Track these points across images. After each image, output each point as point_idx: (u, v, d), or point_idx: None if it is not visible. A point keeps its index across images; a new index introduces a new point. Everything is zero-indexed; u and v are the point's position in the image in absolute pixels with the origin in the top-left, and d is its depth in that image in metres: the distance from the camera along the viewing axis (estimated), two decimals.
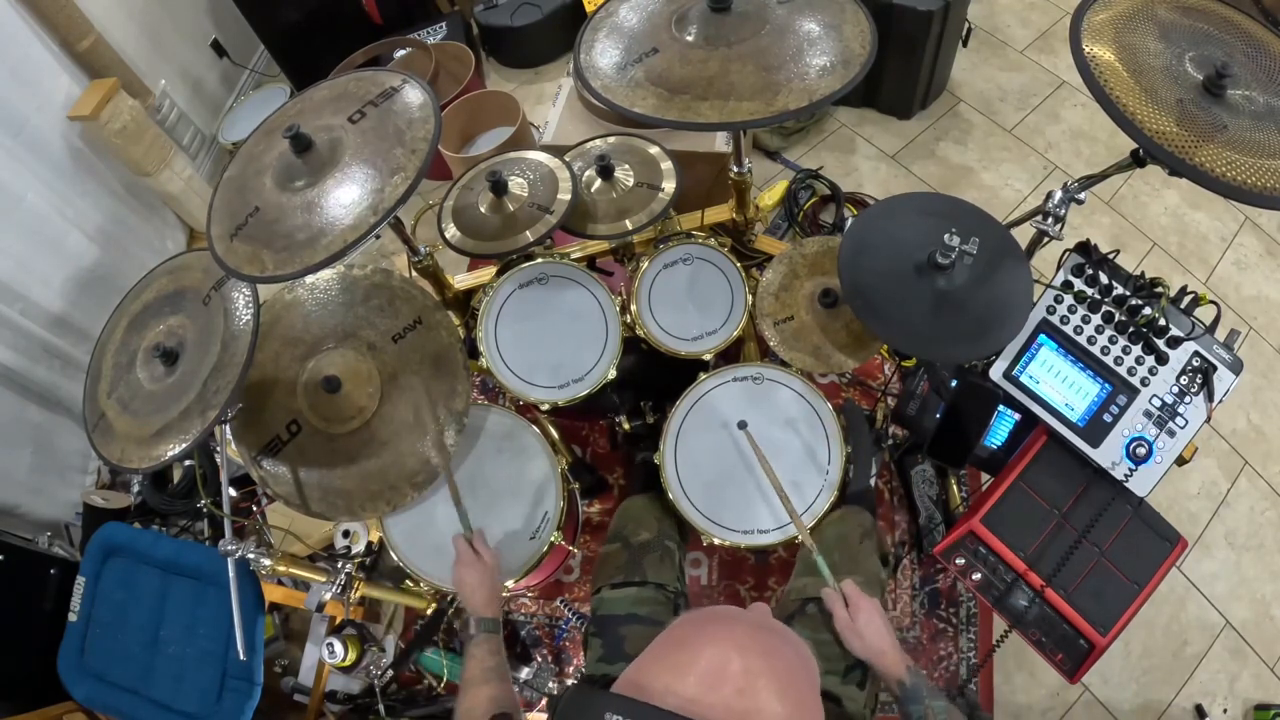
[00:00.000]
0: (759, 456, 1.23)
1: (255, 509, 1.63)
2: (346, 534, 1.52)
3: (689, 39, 1.17)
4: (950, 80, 2.57)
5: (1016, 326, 1.19)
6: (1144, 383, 1.19)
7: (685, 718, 0.48)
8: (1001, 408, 1.30)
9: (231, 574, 1.18)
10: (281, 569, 1.24)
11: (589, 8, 2.68)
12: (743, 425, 1.29)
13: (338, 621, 1.62)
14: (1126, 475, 1.20)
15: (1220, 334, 1.20)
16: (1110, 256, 1.23)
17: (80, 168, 2.18)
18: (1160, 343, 1.18)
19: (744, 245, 1.80)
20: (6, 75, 1.96)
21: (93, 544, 1.62)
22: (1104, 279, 1.21)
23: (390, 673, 1.67)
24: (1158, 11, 1.07)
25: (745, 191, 1.62)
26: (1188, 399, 1.18)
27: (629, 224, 1.49)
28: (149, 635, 1.54)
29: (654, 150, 1.60)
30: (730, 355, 1.63)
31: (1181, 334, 1.18)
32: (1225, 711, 1.65)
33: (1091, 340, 1.21)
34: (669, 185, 1.52)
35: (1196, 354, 1.18)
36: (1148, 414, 1.19)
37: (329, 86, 1.23)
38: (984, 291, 1.17)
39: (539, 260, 1.49)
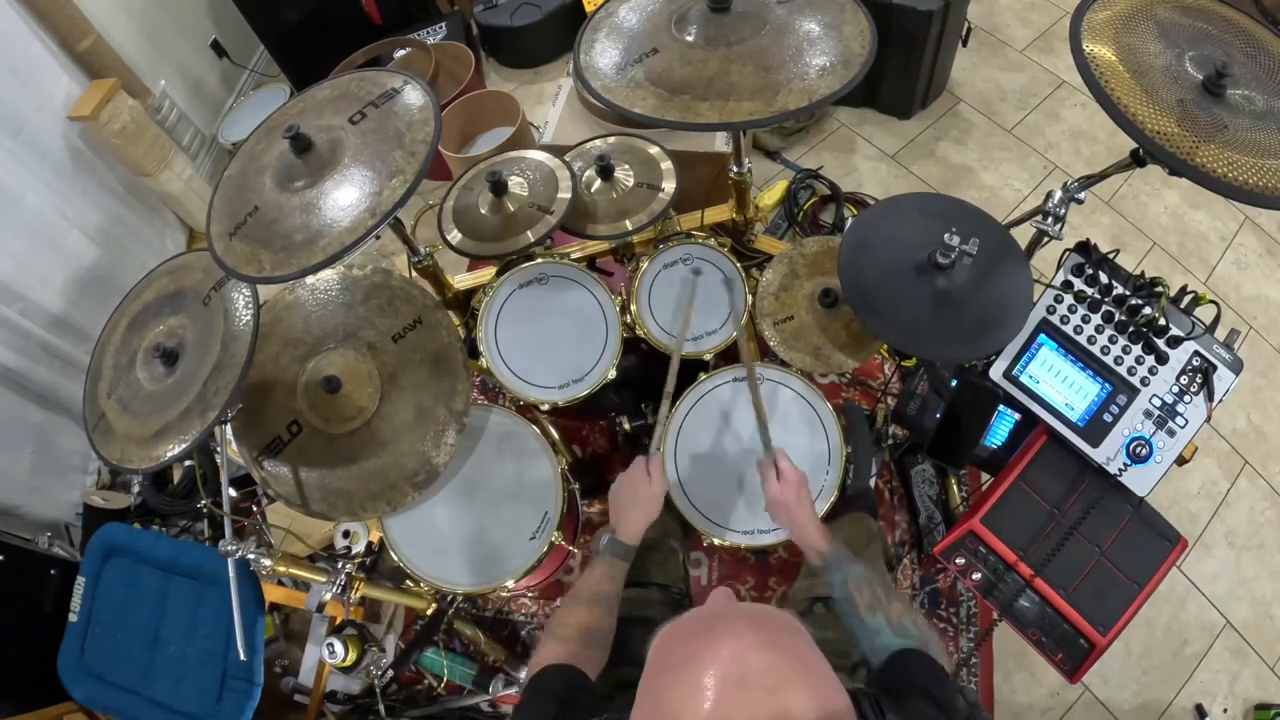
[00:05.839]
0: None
1: (255, 509, 1.63)
2: (346, 534, 1.51)
3: (689, 39, 1.17)
4: (950, 80, 2.57)
5: (1016, 326, 1.19)
6: (1144, 382, 1.19)
7: None
8: (1001, 407, 1.30)
9: (231, 574, 1.18)
10: (281, 569, 1.24)
11: (589, 8, 2.68)
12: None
13: (338, 621, 1.61)
14: (1126, 475, 1.20)
15: (1220, 334, 1.20)
16: (1110, 256, 1.23)
17: (80, 168, 2.18)
18: (1160, 342, 1.18)
19: (744, 245, 1.80)
20: (6, 75, 1.96)
21: (93, 544, 1.62)
22: (1104, 279, 1.21)
23: (390, 673, 1.67)
24: (1157, 11, 1.07)
25: (745, 191, 1.62)
26: (1188, 399, 1.18)
27: (629, 224, 1.49)
28: (149, 635, 1.54)
29: (654, 150, 1.60)
30: (730, 355, 1.62)
31: (1181, 334, 1.18)
32: (1225, 711, 1.65)
33: (1091, 340, 1.21)
34: (669, 185, 1.52)
35: (1196, 354, 1.18)
36: (1148, 414, 1.19)
37: (330, 86, 1.23)
38: (984, 291, 1.17)
39: (539, 260, 1.49)
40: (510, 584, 1.31)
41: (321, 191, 1.07)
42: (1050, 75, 2.58)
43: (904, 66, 2.35)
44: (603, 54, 1.21)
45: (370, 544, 1.52)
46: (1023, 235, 1.23)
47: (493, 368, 1.43)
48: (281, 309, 1.34)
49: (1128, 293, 1.20)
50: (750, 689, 0.49)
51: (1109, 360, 1.20)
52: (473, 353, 1.45)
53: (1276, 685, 1.66)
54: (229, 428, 1.22)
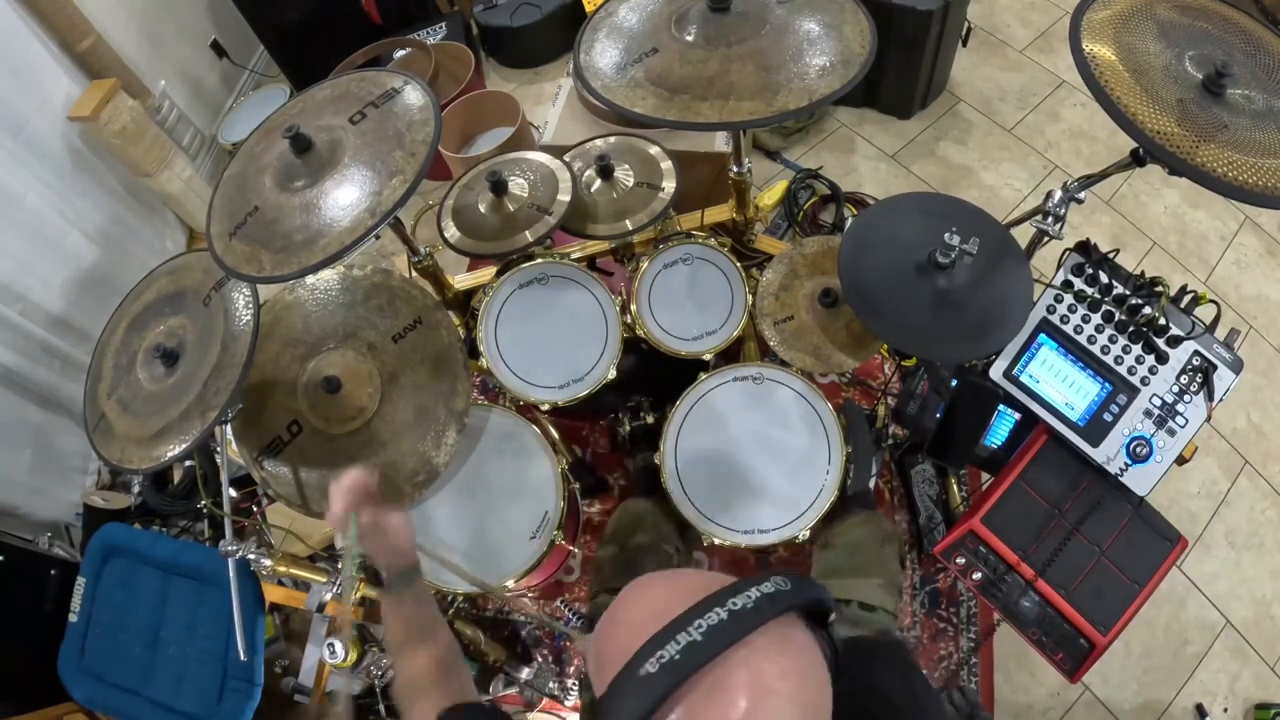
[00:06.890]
0: None
1: (255, 509, 1.63)
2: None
3: (689, 39, 1.17)
4: (950, 80, 2.57)
5: (1016, 326, 1.19)
6: (1144, 382, 1.19)
7: (695, 604, 0.51)
8: (1001, 407, 1.30)
9: (232, 574, 1.18)
10: (282, 569, 1.24)
11: (589, 8, 2.68)
12: None
13: (338, 622, 1.61)
14: (1126, 474, 1.20)
15: (1220, 333, 1.20)
16: (1110, 256, 1.23)
17: (80, 168, 2.18)
18: (1160, 342, 1.18)
19: (744, 245, 1.80)
20: (6, 75, 1.96)
21: (93, 544, 1.62)
22: (1104, 278, 1.21)
23: (391, 673, 1.66)
24: (1157, 11, 1.07)
25: (745, 191, 1.62)
26: (1188, 398, 1.18)
27: (629, 224, 1.49)
28: (149, 636, 1.54)
29: (654, 150, 1.60)
30: (730, 355, 1.62)
31: (1181, 333, 1.18)
32: (1226, 711, 1.65)
33: (1091, 339, 1.21)
34: (669, 185, 1.52)
35: (1196, 353, 1.18)
36: (1148, 413, 1.19)
37: (330, 86, 1.23)
38: (984, 291, 1.17)
39: (539, 260, 1.49)
40: (511, 584, 1.31)
41: (321, 191, 1.07)
42: (1050, 75, 2.58)
43: (904, 66, 2.35)
44: (603, 54, 1.21)
45: None
46: (1023, 235, 1.23)
47: (493, 368, 1.43)
48: (281, 309, 1.34)
49: (1128, 292, 1.20)
50: (677, 579, 0.57)
51: (1109, 360, 1.20)
52: (473, 353, 1.45)
53: (1277, 685, 1.66)
54: (229, 428, 1.22)
